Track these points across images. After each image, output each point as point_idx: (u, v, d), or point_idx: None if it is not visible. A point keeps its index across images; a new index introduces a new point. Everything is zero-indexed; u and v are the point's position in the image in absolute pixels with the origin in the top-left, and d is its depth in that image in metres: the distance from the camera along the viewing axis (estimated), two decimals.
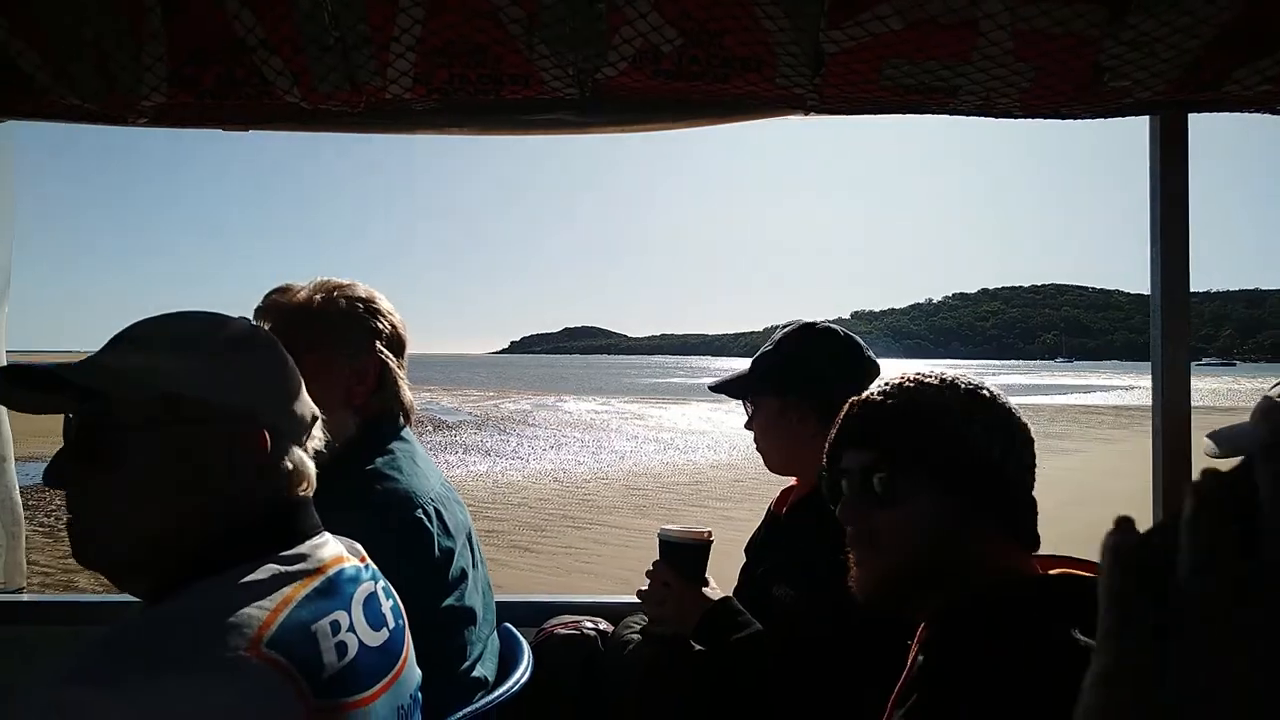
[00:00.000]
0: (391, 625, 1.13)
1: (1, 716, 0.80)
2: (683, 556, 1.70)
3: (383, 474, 1.58)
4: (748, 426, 1.84)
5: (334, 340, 1.64)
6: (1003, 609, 1.03)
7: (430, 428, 26.50)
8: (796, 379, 1.75)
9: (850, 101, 1.75)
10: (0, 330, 2.18)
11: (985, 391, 1.15)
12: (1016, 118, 1.76)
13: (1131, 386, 69.07)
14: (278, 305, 1.67)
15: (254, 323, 1.14)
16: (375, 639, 1.07)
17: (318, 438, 1.15)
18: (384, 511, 1.51)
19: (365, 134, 2.00)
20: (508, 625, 1.82)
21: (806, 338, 1.80)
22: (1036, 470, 1.15)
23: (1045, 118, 1.76)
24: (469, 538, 1.70)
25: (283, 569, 1.00)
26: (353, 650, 1.01)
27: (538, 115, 1.92)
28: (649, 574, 1.72)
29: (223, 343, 1.05)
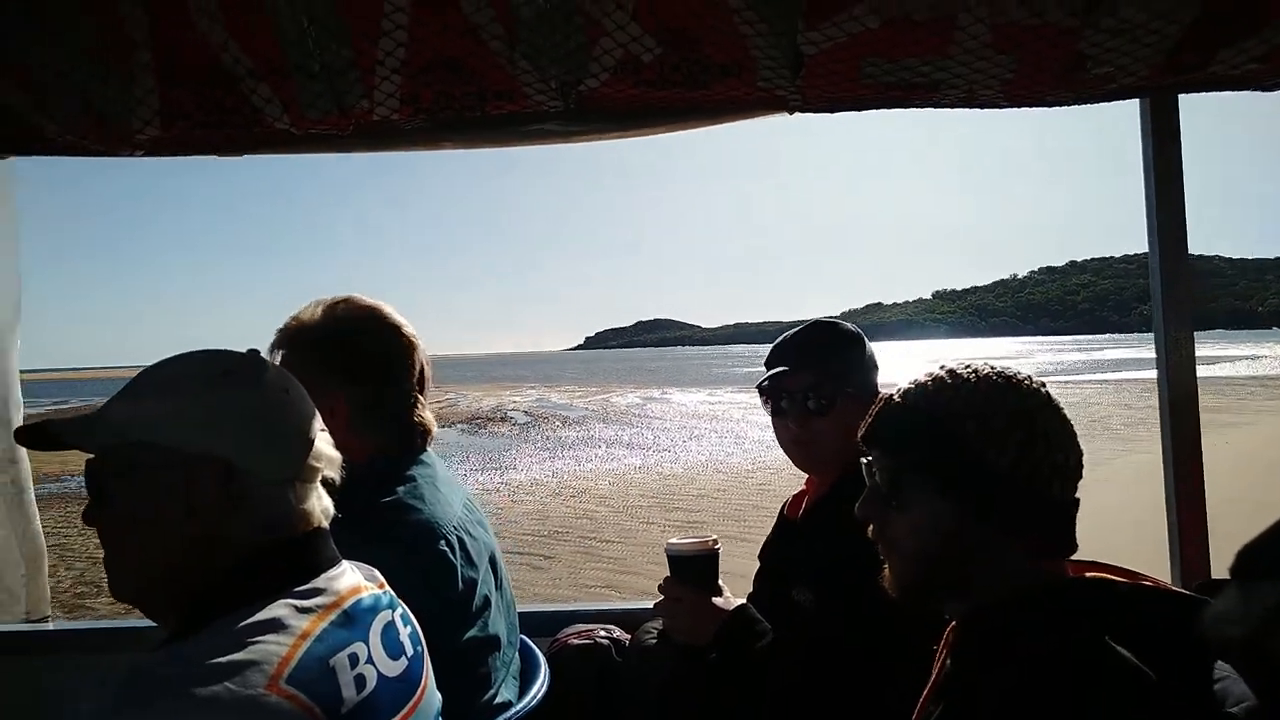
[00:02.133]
0: (410, 653, 1.14)
1: None
2: (692, 568, 1.68)
3: (404, 504, 1.54)
4: (798, 423, 1.74)
5: (327, 368, 1.59)
6: (1023, 614, 1.03)
7: (558, 423, 26.55)
8: (868, 386, 1.73)
9: (832, 100, 1.76)
10: (14, 351, 2.24)
11: (1011, 391, 1.10)
12: (1001, 108, 1.76)
13: (1256, 356, 64.80)
14: (288, 332, 1.65)
15: (242, 360, 1.13)
16: (394, 668, 1.09)
17: (329, 470, 1.15)
18: (406, 545, 1.48)
19: (355, 153, 2.02)
20: (524, 638, 1.82)
21: (859, 343, 1.79)
22: (1083, 469, 1.11)
23: (1030, 106, 1.76)
24: (492, 561, 1.67)
25: (299, 604, 1.02)
26: (371, 682, 1.03)
27: (524, 127, 1.93)
28: (660, 588, 1.71)
29: (195, 386, 1.07)
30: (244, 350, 1.15)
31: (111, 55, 1.76)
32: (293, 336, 1.64)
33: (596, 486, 15.53)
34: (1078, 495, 1.10)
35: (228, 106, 1.81)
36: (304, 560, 1.08)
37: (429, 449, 1.72)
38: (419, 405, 1.70)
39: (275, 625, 0.98)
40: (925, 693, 1.17)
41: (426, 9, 1.70)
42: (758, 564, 1.90)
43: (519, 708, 1.59)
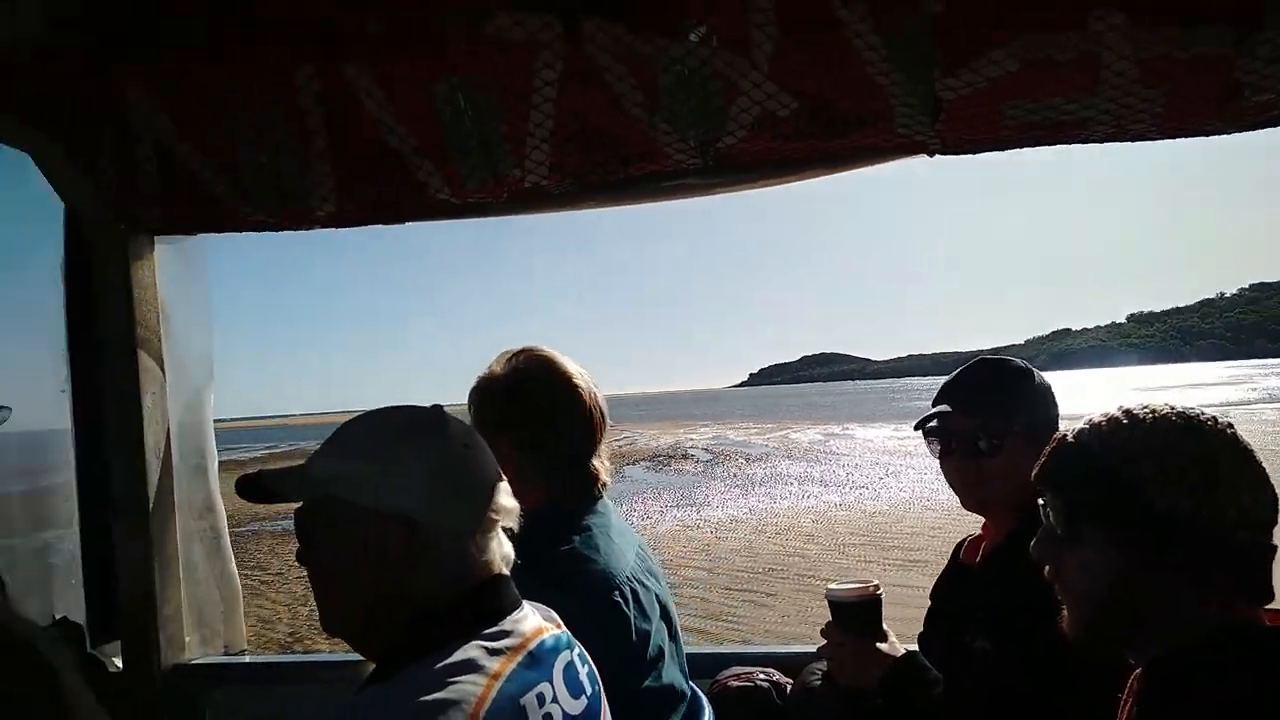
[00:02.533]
0: (589, 692, 1.20)
1: None
2: (853, 614, 1.67)
3: (579, 554, 1.57)
4: (968, 465, 1.71)
5: (497, 418, 1.67)
6: (1209, 659, 1.01)
7: (742, 460, 26.82)
8: (1038, 424, 1.65)
9: (974, 143, 1.75)
10: (208, 406, 2.49)
11: (1191, 433, 1.07)
12: (1154, 139, 1.71)
13: None
14: (474, 387, 1.73)
15: (426, 416, 1.19)
16: (575, 707, 1.14)
17: (506, 520, 1.19)
18: (582, 595, 1.49)
19: (508, 216, 2.15)
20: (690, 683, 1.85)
21: (1028, 378, 1.73)
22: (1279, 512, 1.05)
23: (1185, 136, 1.70)
24: (665, 610, 1.69)
25: (490, 645, 1.08)
26: None
27: (663, 184, 2.00)
28: (822, 633, 1.71)
29: (383, 444, 1.15)
30: (429, 406, 1.21)
31: (295, 142, 1.96)
32: (478, 389, 1.72)
33: (799, 524, 15.52)
34: (1276, 542, 1.06)
35: (395, 182, 1.98)
36: (491, 604, 1.13)
37: (603, 497, 1.75)
38: (592, 454, 1.72)
39: (469, 666, 1.04)
40: None
41: (574, 83, 1.81)
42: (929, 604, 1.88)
43: None
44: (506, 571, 1.20)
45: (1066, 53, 1.59)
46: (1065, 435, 1.17)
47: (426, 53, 1.85)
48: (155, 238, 2.35)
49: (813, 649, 1.99)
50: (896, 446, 29.64)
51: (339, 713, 1.02)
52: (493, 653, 1.08)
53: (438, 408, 1.21)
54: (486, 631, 1.10)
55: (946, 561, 1.90)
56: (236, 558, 2.44)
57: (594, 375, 1.77)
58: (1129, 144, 1.70)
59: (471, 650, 1.06)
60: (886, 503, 17.18)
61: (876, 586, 1.69)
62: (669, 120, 1.83)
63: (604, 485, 1.75)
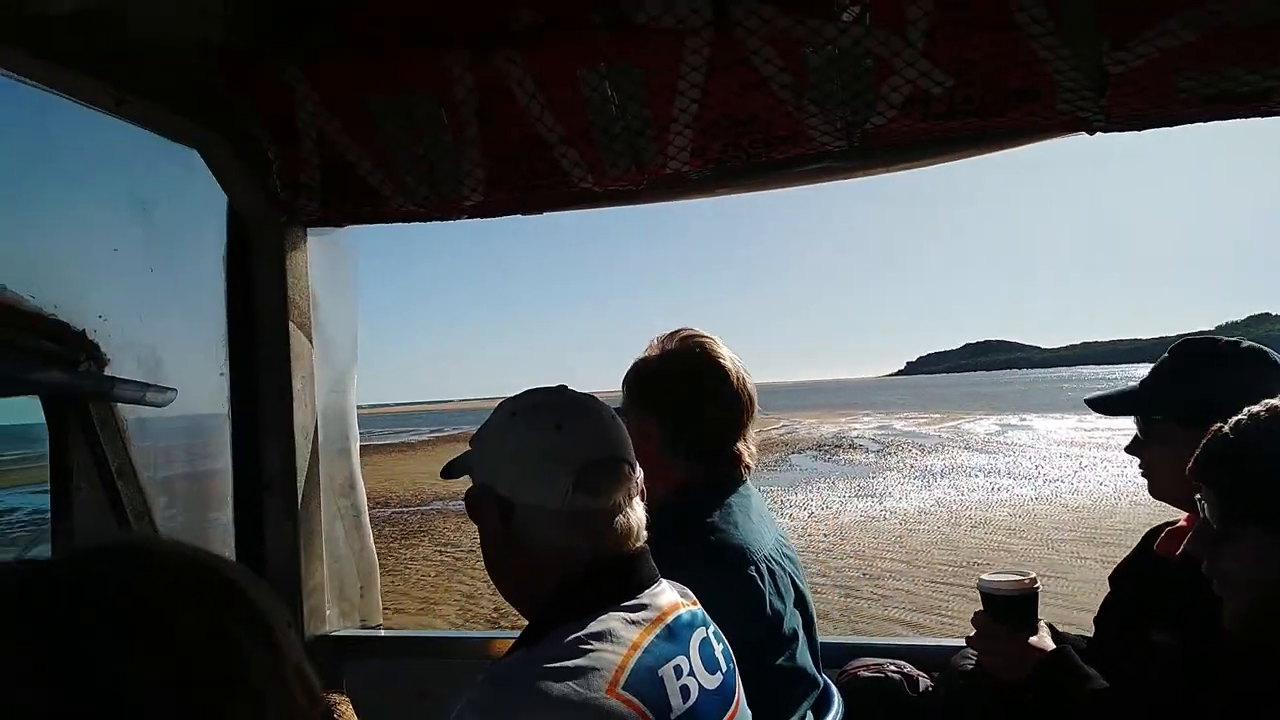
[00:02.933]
0: (724, 668, 1.21)
1: None
2: (1006, 606, 1.62)
3: (717, 527, 1.59)
4: (1131, 450, 1.67)
5: (643, 398, 1.73)
6: None
7: (916, 451, 26.34)
8: (1205, 411, 1.49)
9: (1142, 118, 1.68)
10: (352, 390, 2.61)
11: None
12: None
13: None
14: (632, 369, 1.78)
15: (529, 401, 1.25)
16: (711, 682, 1.16)
17: (634, 494, 1.22)
18: (717, 567, 1.53)
19: (643, 204, 2.18)
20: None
21: (1228, 359, 1.61)
22: None
23: None
24: (801, 598, 1.69)
25: (629, 616, 1.11)
26: (694, 693, 1.11)
27: (804, 167, 1.99)
28: (974, 622, 1.67)
29: (489, 428, 1.23)
30: (546, 388, 1.28)
31: (448, 133, 2.04)
32: (632, 370, 1.78)
33: (995, 517, 15.12)
34: None
35: (540, 170, 2.03)
36: (629, 577, 1.17)
37: (746, 480, 1.76)
38: (738, 438, 1.74)
39: (609, 636, 1.07)
40: None
41: (720, 69, 1.82)
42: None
43: None
44: (645, 544, 1.22)
45: (1248, 20, 1.50)
46: (1220, 428, 1.14)
47: (576, 41, 1.89)
48: (308, 229, 2.48)
49: (946, 643, 1.92)
50: (1084, 439, 28.22)
51: (487, 674, 1.06)
52: (631, 624, 1.10)
53: (547, 389, 1.27)
54: (625, 603, 1.13)
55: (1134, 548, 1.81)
56: (428, 535, 2.56)
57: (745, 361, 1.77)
58: None
59: (611, 621, 1.09)
60: (1088, 496, 16.45)
61: (1033, 580, 1.64)
62: (816, 102, 1.82)
63: (748, 468, 1.77)
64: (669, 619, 1.15)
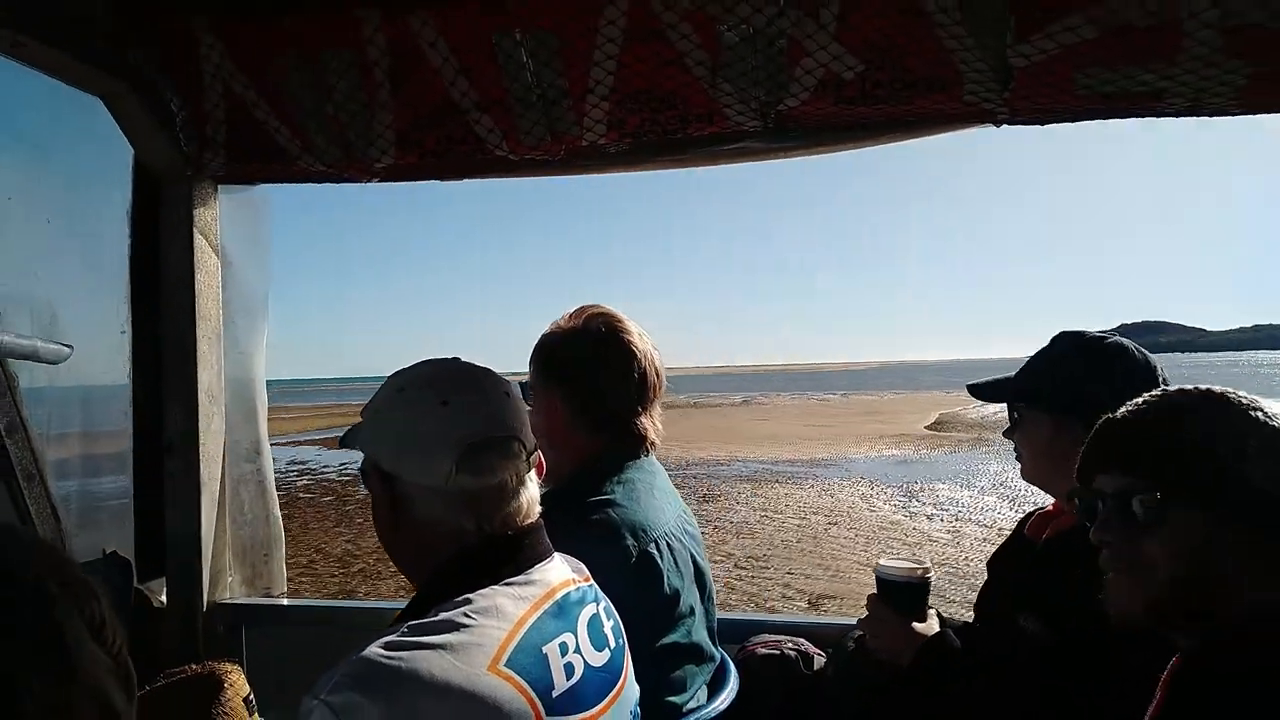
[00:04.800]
0: (613, 645, 1.21)
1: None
2: (898, 593, 1.67)
3: (618, 503, 1.58)
4: (1008, 435, 1.72)
5: (546, 371, 1.72)
6: (1266, 647, 0.98)
7: None
8: (1075, 401, 1.58)
9: (1044, 112, 1.71)
10: (261, 356, 2.55)
11: (1261, 411, 1.05)
12: (1233, 115, 1.66)
13: None
14: (541, 341, 1.76)
15: (418, 374, 1.22)
16: (598, 659, 1.15)
17: (524, 472, 1.19)
18: (615, 540, 1.52)
19: (562, 175, 2.16)
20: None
21: (1094, 355, 1.64)
22: None
23: (1268, 113, 1.64)
24: (699, 574, 1.71)
25: (516, 592, 1.10)
26: (579, 670, 1.10)
27: (723, 146, 1.99)
28: (867, 605, 1.70)
29: (377, 400, 1.21)
30: (438, 360, 1.24)
31: (360, 93, 1.99)
32: (539, 343, 1.76)
33: None
34: None
35: (455, 137, 2.00)
36: (517, 553, 1.15)
37: (650, 455, 1.76)
38: (642, 412, 1.74)
39: (494, 612, 1.06)
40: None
41: (636, 40, 1.81)
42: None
43: (709, 710, 1.62)
44: (537, 520, 1.21)
45: (1145, 20, 1.54)
46: (1128, 415, 1.13)
47: (491, 5, 1.86)
48: (219, 187, 2.40)
49: (844, 621, 1.97)
50: None
51: (363, 646, 1.03)
52: (519, 599, 1.09)
53: (438, 361, 1.24)
54: (513, 579, 1.12)
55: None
56: None
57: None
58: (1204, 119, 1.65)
59: (497, 596, 1.08)
60: None
61: (926, 570, 1.69)
62: (730, 80, 1.82)
63: (652, 445, 1.77)
64: (558, 595, 1.15)
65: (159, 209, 2.36)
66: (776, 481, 16.79)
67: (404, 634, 1.03)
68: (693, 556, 1.70)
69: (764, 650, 2.00)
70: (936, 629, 1.66)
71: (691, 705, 1.63)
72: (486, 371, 1.23)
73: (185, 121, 2.18)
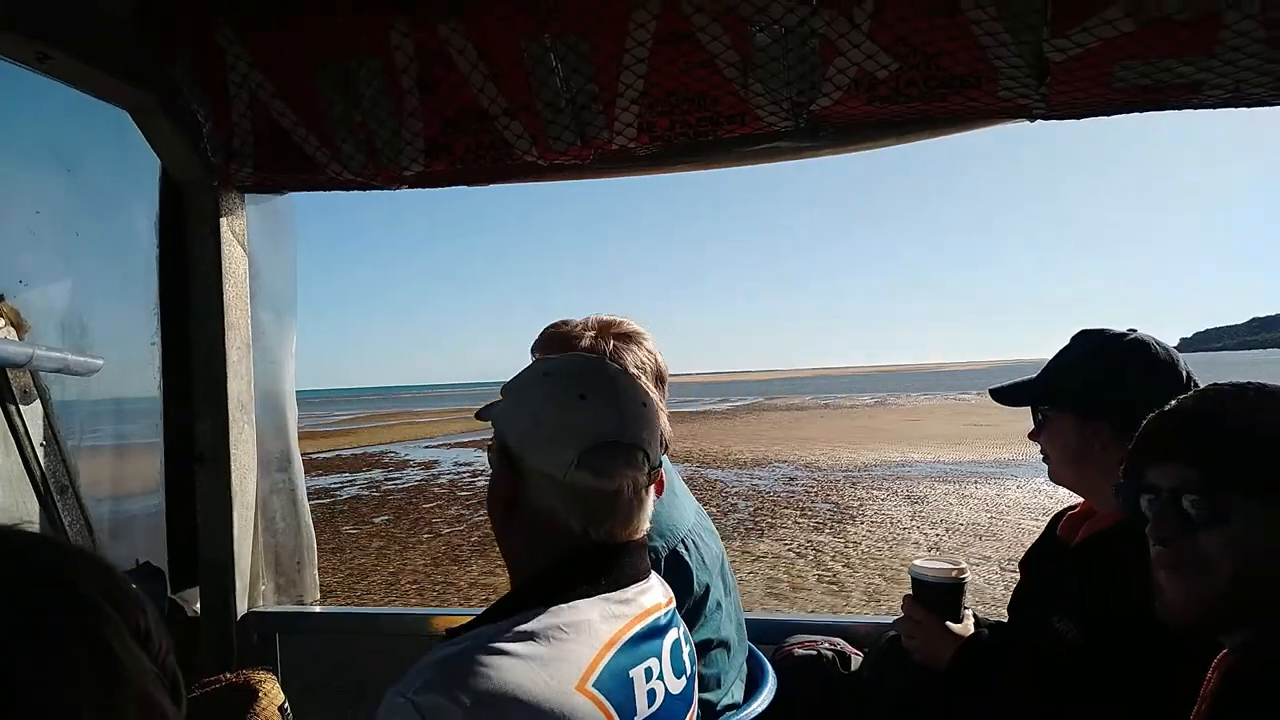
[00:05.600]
0: (689, 672, 1.19)
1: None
2: (933, 594, 1.66)
3: None
4: (1033, 437, 1.70)
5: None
6: None
7: None
8: (1103, 400, 1.57)
9: (1080, 107, 1.70)
10: (289, 364, 2.56)
11: None
12: (1273, 105, 1.64)
13: None
14: (552, 337, 1.71)
15: (563, 363, 1.22)
16: (677, 686, 1.13)
17: (644, 486, 1.15)
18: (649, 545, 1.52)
19: (592, 179, 2.15)
20: (751, 645, 1.86)
21: (1114, 353, 1.62)
22: None
23: None
24: (722, 567, 1.73)
25: (611, 610, 1.07)
26: (660, 698, 1.08)
27: (753, 147, 1.99)
28: (903, 606, 1.70)
29: (517, 381, 1.18)
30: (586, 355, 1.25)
31: (388, 100, 1.99)
32: (550, 342, 1.70)
33: None
34: None
35: (484, 143, 1.99)
36: (620, 567, 1.12)
37: (664, 456, 1.76)
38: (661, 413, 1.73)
39: (586, 628, 1.03)
40: (1194, 714, 1.11)
41: (666, 43, 1.81)
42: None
43: (747, 710, 1.62)
44: (641, 539, 1.17)
45: (1185, 12, 1.53)
46: (1180, 408, 1.11)
47: (520, 10, 1.85)
48: (246, 196, 2.41)
49: (881, 620, 1.96)
50: None
51: (448, 641, 1.01)
52: (611, 618, 1.07)
53: (588, 357, 1.26)
54: (609, 595, 1.09)
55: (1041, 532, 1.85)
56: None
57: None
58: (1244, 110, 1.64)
59: (592, 611, 1.05)
60: None
61: (962, 571, 1.68)
62: (762, 81, 1.81)
63: (669, 445, 1.77)
64: (650, 618, 1.12)
65: (186, 220, 2.37)
66: (975, 481, 16.23)
67: (489, 637, 1.00)
68: (715, 551, 1.71)
69: (801, 651, 2.00)
70: (973, 630, 1.65)
71: (726, 701, 1.63)
72: (631, 378, 1.20)
73: (212, 132, 2.18)
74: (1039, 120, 1.77)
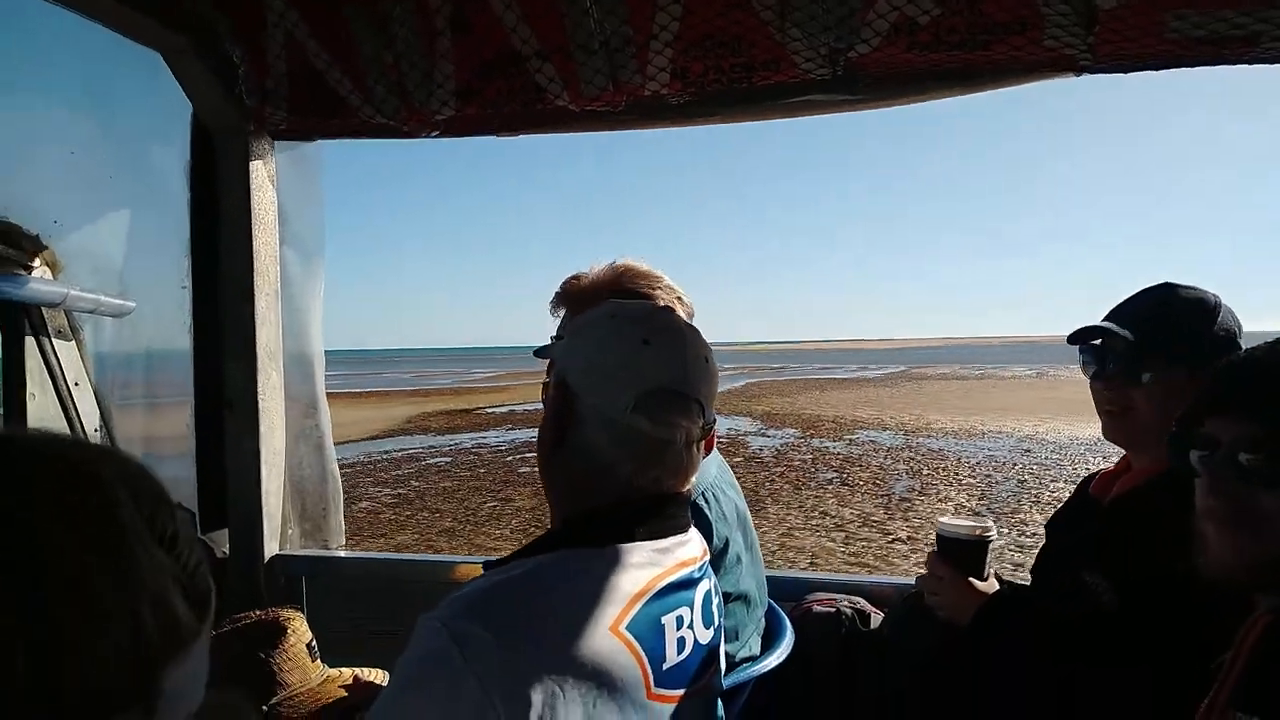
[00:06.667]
0: (717, 623, 1.19)
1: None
2: (958, 551, 1.65)
3: None
4: (1117, 388, 1.60)
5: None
6: None
7: None
8: (1209, 355, 1.47)
9: (1130, 58, 1.65)
10: (316, 311, 2.57)
11: None
12: None
13: None
14: (569, 291, 1.70)
15: (631, 307, 1.20)
16: (705, 636, 1.13)
17: (695, 439, 1.15)
18: None
19: (623, 130, 2.12)
20: (770, 601, 1.86)
21: (1209, 307, 1.56)
22: None
23: None
24: (742, 521, 1.72)
25: (648, 558, 1.07)
26: (689, 646, 1.08)
27: (788, 99, 1.95)
28: (927, 562, 1.69)
29: (583, 320, 1.18)
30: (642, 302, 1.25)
31: (421, 41, 1.97)
32: (571, 295, 1.70)
33: None
34: None
35: (515, 87, 1.97)
36: (662, 517, 1.11)
37: None
38: None
39: (624, 571, 1.03)
40: (1216, 695, 1.08)
41: None
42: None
43: (765, 662, 1.63)
44: (687, 492, 1.17)
45: None
46: (1248, 359, 1.06)
47: None
48: (275, 143, 2.41)
49: (901, 580, 1.95)
50: None
51: (484, 576, 1.01)
52: (648, 565, 1.06)
53: (657, 306, 1.25)
54: (650, 543, 1.08)
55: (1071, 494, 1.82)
56: None
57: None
58: None
59: (631, 556, 1.05)
60: None
61: (987, 529, 1.66)
62: (799, 25, 1.77)
63: None
64: (684, 570, 1.12)
65: (216, 165, 2.37)
66: None
67: (533, 573, 1.00)
68: (736, 506, 1.71)
69: (820, 608, 2.00)
70: (995, 587, 1.63)
71: (744, 654, 1.64)
72: (695, 332, 1.19)
73: (247, 74, 2.18)
74: (1085, 74, 1.72)
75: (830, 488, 13.25)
